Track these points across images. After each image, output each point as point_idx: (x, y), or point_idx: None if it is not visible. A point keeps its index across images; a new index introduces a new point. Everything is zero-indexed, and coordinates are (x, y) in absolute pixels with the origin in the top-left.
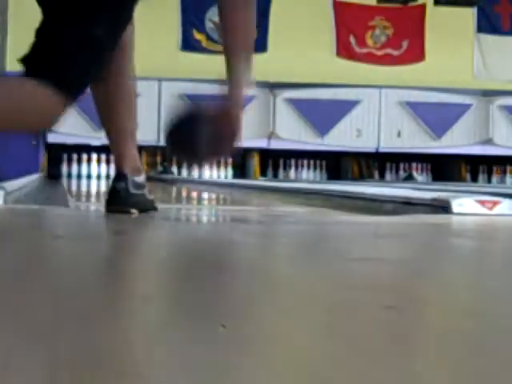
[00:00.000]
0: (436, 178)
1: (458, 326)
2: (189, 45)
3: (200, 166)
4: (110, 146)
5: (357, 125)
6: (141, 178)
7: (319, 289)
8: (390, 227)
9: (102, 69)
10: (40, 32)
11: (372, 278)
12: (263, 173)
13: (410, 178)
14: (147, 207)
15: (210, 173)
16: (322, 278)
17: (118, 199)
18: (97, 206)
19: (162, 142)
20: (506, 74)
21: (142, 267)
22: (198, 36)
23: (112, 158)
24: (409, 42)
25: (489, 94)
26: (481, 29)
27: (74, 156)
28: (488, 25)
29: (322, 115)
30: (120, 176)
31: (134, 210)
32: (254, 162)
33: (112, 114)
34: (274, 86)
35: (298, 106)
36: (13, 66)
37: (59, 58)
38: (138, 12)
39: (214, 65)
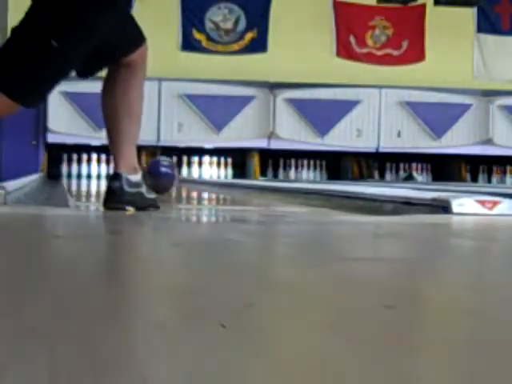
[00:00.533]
0: (436, 178)
1: (457, 326)
2: (189, 45)
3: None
4: (109, 146)
5: (357, 125)
6: (136, 177)
7: (319, 289)
8: (390, 227)
9: (60, 77)
10: (12, 33)
11: (372, 278)
12: (263, 173)
13: (410, 178)
14: (144, 205)
15: (210, 173)
16: (321, 278)
17: (113, 197)
18: (96, 206)
19: (162, 142)
20: (506, 74)
21: (141, 267)
22: (197, 36)
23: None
24: (409, 42)
25: (489, 93)
26: (481, 29)
27: (74, 156)
28: (488, 25)
29: (322, 115)
30: (115, 175)
31: (129, 208)
32: (254, 162)
33: (114, 117)
34: (273, 86)
35: (298, 105)
36: None
37: (11, 65)
38: (138, 12)
39: (214, 65)
